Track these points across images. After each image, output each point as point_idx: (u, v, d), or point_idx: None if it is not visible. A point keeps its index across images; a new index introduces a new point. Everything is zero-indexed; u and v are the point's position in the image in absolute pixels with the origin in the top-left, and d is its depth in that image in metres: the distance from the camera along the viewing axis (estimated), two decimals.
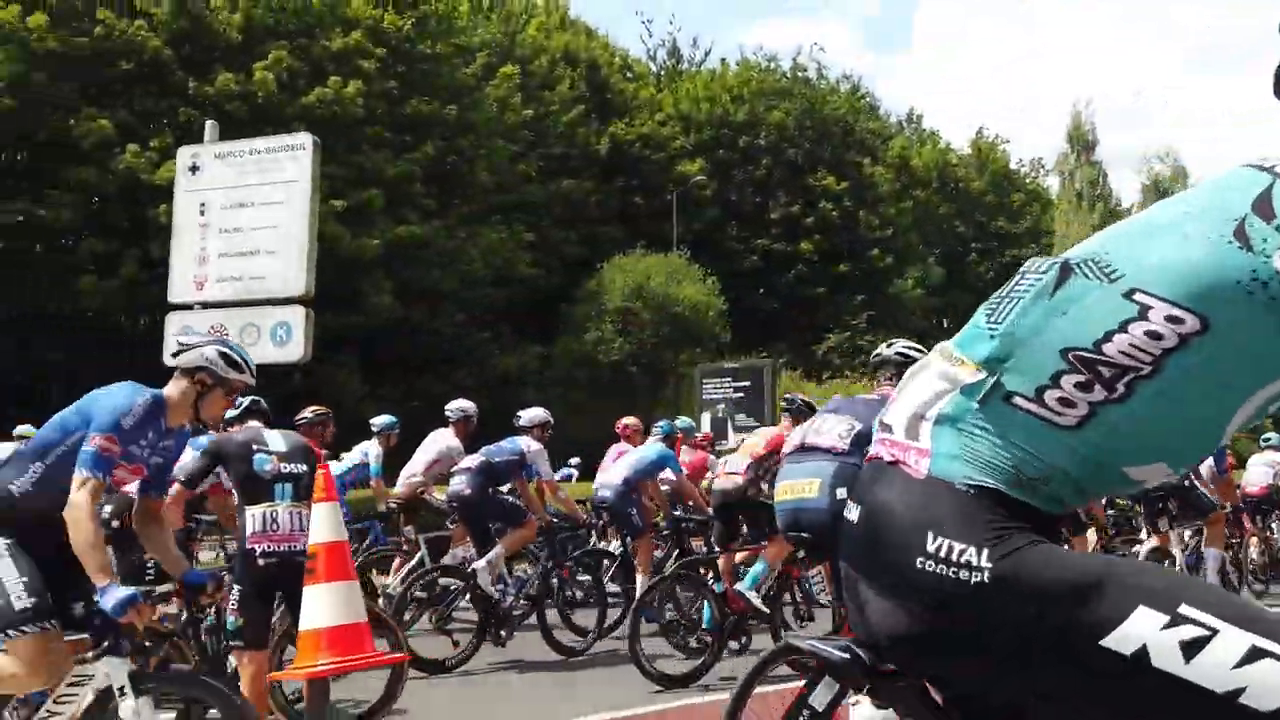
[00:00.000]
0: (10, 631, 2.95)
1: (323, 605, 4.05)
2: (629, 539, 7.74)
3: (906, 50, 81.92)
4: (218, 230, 10.83)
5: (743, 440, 8.16)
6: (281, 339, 10.55)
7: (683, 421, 10.41)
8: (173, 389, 3.56)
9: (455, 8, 26.99)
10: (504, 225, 26.81)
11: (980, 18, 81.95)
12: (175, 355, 3.79)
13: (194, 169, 11.16)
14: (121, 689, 3.00)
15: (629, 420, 9.72)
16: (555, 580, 7.19)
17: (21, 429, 9.01)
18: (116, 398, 3.27)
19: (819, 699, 1.63)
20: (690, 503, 8.20)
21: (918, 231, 40.81)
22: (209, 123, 11.73)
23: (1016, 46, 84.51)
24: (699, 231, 35.48)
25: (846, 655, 1.50)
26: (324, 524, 4.16)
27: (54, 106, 19.80)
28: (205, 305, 10.78)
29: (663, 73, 42.38)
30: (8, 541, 3.04)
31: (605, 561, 7.85)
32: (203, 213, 10.95)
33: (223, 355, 3.66)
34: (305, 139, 10.90)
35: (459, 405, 8.30)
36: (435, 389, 24.85)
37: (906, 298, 38.88)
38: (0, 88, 19.05)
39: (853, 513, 1.49)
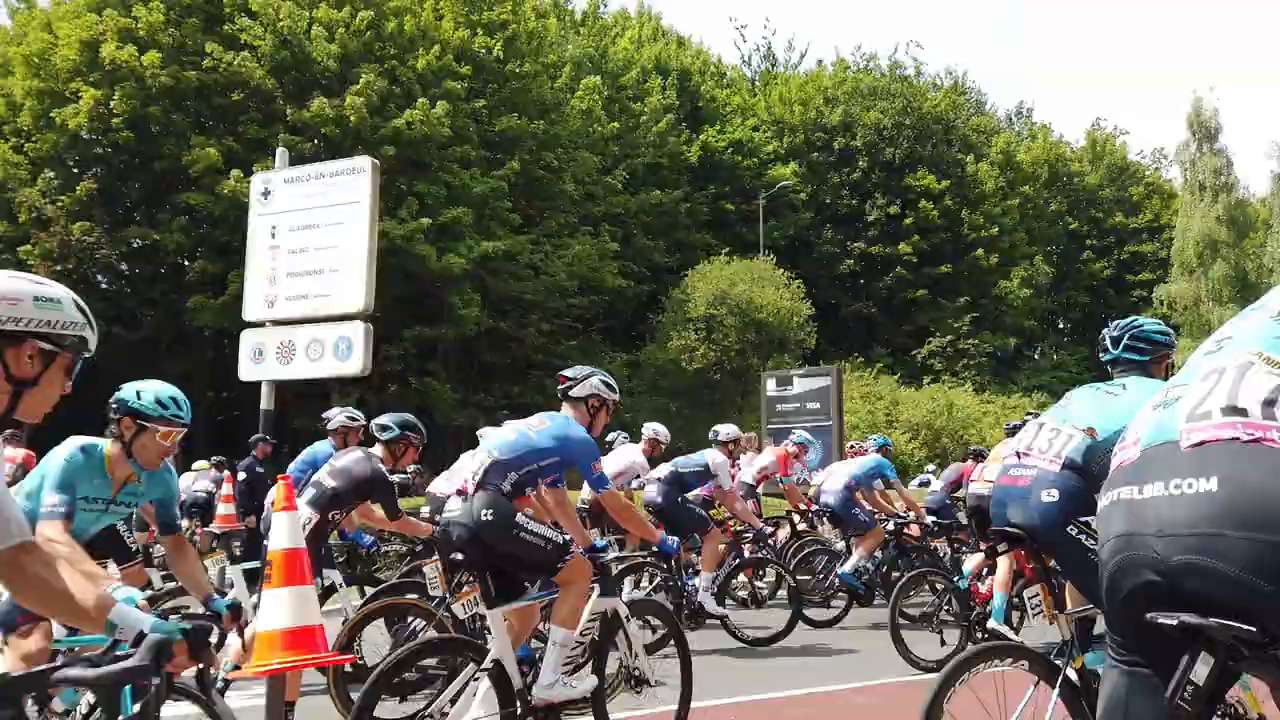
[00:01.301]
0: (562, 563, 4.08)
1: (280, 608, 4.27)
2: (851, 537, 8.60)
3: (1018, 45, 78.89)
4: (286, 251, 11.52)
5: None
6: (343, 353, 11.14)
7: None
8: (575, 415, 4.47)
9: (543, 25, 27.66)
10: (590, 237, 27.29)
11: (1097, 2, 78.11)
12: (563, 390, 4.57)
13: (265, 194, 11.91)
14: (627, 616, 4.28)
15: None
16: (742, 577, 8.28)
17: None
18: (587, 438, 4.43)
19: (1199, 674, 1.61)
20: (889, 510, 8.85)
21: (1025, 229, 39.29)
22: (280, 150, 12.51)
23: (1137, 31, 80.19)
24: (792, 236, 35.23)
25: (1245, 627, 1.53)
26: (282, 532, 4.39)
27: (168, 137, 21.37)
28: (275, 323, 11.50)
29: (757, 78, 42.22)
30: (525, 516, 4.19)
31: (825, 558, 8.70)
32: (273, 235, 11.68)
33: (604, 382, 4.56)
34: (365, 162, 11.49)
35: (652, 428, 8.93)
36: (525, 396, 25.56)
37: (1013, 298, 37.50)
38: (119, 122, 20.70)
39: (1207, 483, 1.61)
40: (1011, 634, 6.31)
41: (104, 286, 23.79)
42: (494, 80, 25.74)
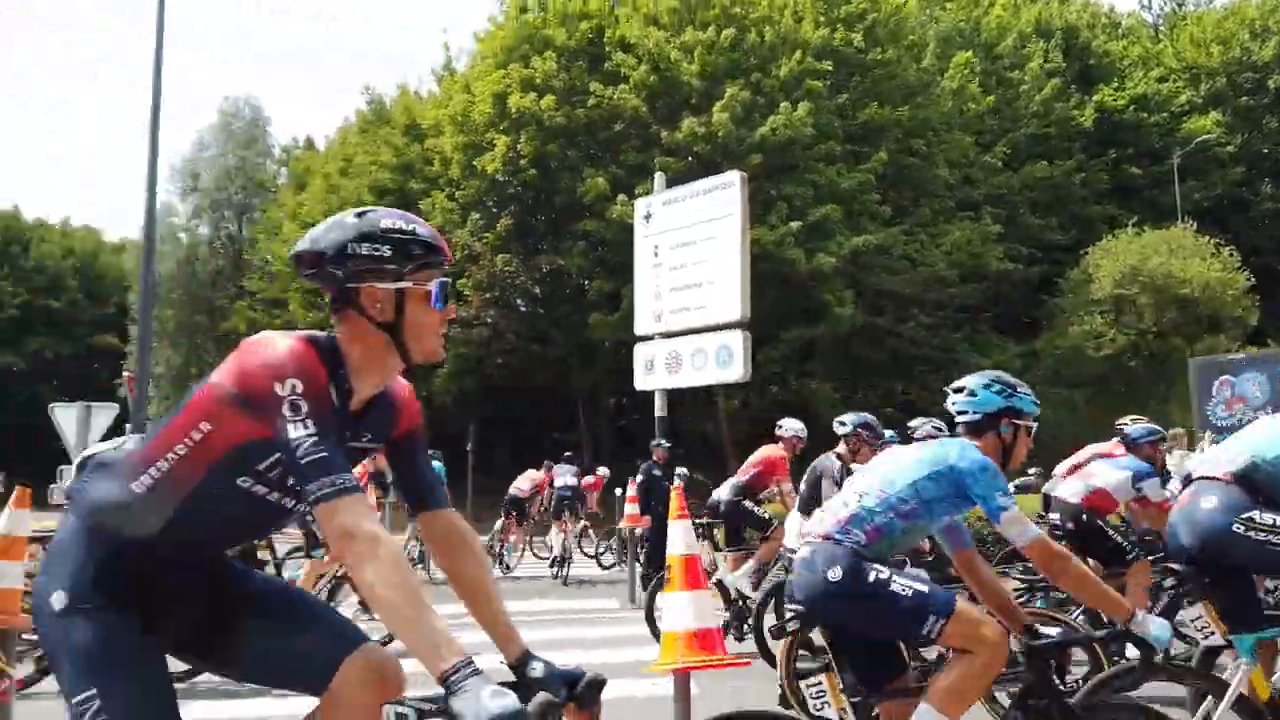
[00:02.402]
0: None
1: (683, 611, 4.54)
2: None
3: None
4: (668, 268, 12.25)
5: None
6: (724, 360, 11.57)
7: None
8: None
9: (900, 9, 26.69)
10: (970, 221, 25.75)
11: None
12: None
13: (647, 217, 12.76)
14: None
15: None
16: None
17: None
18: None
19: None
20: None
21: None
22: (658, 174, 13.33)
23: None
24: (1219, 196, 30.41)
25: None
26: (680, 538, 4.67)
27: (564, 172, 23.79)
28: (663, 336, 12.27)
29: (1160, 22, 37.06)
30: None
31: None
32: (656, 254, 12.47)
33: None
34: (733, 176, 11.85)
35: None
36: (910, 393, 24.76)
37: None
38: (526, 163, 23.44)
39: None
40: None
41: (523, 310, 27.03)
42: (857, 72, 25.33)
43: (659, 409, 12.26)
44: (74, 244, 47.42)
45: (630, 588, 9.92)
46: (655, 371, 12.38)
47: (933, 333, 25.52)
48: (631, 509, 10.55)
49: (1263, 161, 31.03)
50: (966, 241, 24.94)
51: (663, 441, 11.76)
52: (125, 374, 14.03)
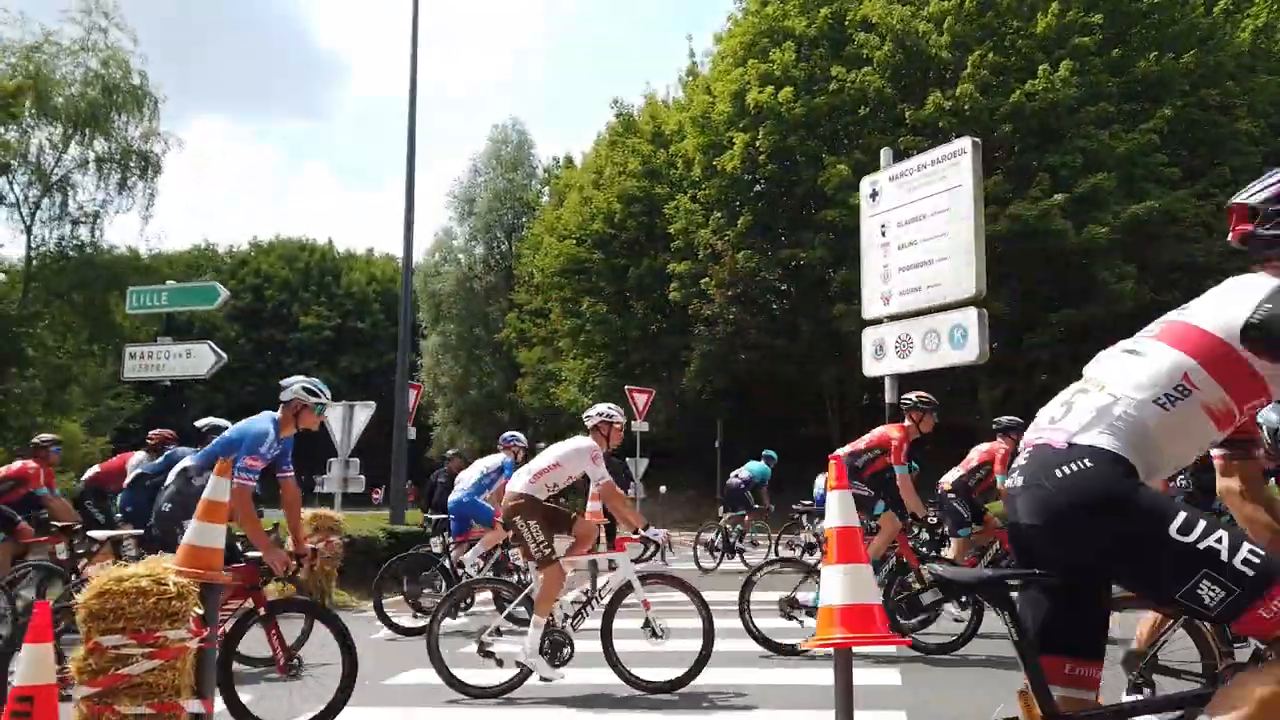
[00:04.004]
0: None
1: (836, 585, 4.34)
2: None
3: None
4: (896, 247, 11.59)
5: None
6: (958, 341, 10.76)
7: None
8: None
9: None
10: None
11: None
12: None
13: (874, 195, 12.16)
14: None
15: None
16: None
17: None
18: None
19: None
20: None
21: None
22: (884, 150, 12.65)
23: None
24: None
25: None
26: (836, 510, 4.45)
27: (804, 163, 23.31)
28: (892, 318, 11.62)
29: None
30: None
31: None
32: (883, 233, 11.85)
33: None
34: (965, 143, 10.98)
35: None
36: None
37: None
38: (764, 158, 23.22)
39: None
40: None
41: (773, 306, 26.79)
42: (1137, 23, 22.70)
43: (889, 396, 11.63)
44: (376, 270, 53.38)
45: None
46: (885, 356, 11.76)
47: None
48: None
49: None
50: None
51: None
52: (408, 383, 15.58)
